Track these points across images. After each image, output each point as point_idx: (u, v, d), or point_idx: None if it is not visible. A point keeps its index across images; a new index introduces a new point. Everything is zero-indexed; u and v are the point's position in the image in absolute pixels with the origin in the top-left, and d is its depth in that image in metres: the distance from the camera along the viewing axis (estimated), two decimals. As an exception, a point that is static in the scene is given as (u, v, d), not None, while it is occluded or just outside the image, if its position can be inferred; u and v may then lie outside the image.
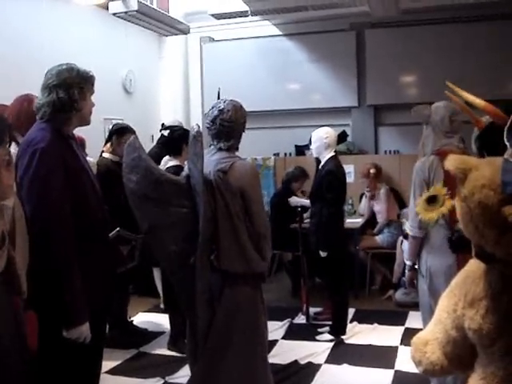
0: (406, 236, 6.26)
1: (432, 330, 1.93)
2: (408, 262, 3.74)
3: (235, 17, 8.62)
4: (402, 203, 7.69)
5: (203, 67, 9.83)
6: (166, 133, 6.64)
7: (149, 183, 3.15)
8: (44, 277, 2.64)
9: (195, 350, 3.32)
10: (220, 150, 3.33)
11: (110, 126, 7.04)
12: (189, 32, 8.86)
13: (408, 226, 3.60)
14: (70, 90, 2.78)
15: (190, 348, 3.46)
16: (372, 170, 7.33)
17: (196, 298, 3.17)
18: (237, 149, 3.46)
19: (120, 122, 6.29)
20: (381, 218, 7.32)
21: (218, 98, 8.26)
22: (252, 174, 3.34)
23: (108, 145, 5.41)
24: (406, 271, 3.80)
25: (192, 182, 3.22)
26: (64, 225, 2.64)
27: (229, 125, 3.31)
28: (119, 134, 5.30)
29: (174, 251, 3.22)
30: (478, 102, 2.89)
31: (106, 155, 5.30)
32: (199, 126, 3.20)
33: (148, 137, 8.47)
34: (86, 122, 2.95)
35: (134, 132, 5.22)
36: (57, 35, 6.99)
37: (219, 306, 3.22)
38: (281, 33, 9.46)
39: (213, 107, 3.38)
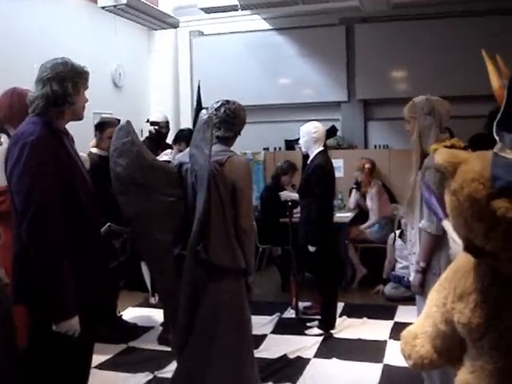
0: (400, 235, 6.29)
1: (421, 324, 1.94)
2: (422, 264, 3.42)
3: (225, 11, 8.61)
4: (391, 198, 7.70)
5: (193, 61, 9.82)
6: (151, 128, 6.66)
7: (139, 168, 3.14)
8: (33, 270, 2.62)
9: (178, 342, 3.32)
10: (218, 139, 3.36)
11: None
12: (178, 26, 8.86)
13: (426, 225, 3.39)
14: (64, 83, 2.77)
15: (175, 341, 3.45)
16: (367, 165, 7.34)
17: (180, 289, 3.16)
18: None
19: (106, 116, 6.27)
20: (372, 216, 7.32)
21: (199, 91, 8.32)
22: (246, 170, 3.39)
23: (94, 140, 5.41)
24: (416, 274, 3.48)
25: (193, 169, 3.21)
26: (53, 218, 2.63)
27: (232, 115, 3.42)
28: (100, 128, 5.31)
29: (158, 240, 3.19)
30: (495, 81, 2.80)
31: (93, 150, 5.29)
32: (210, 112, 3.24)
33: (137, 131, 8.42)
34: (78, 116, 2.94)
35: (116, 124, 5.23)
36: (45, 29, 6.94)
37: (204, 299, 3.21)
38: (271, 27, 9.45)
39: (217, 101, 3.47)
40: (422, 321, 1.95)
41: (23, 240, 2.63)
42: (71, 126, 2.98)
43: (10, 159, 2.68)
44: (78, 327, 2.70)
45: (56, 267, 2.61)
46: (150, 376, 4.61)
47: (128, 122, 3.20)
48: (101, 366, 4.74)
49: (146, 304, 6.50)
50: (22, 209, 2.63)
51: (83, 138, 5.04)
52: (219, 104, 3.45)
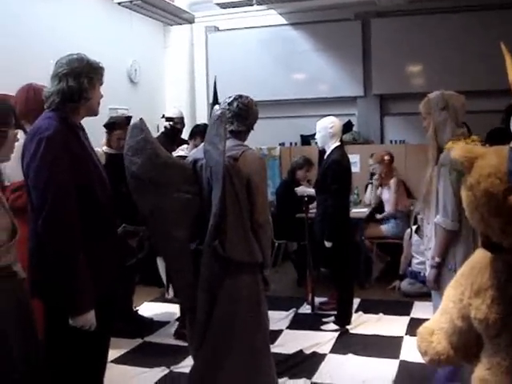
0: (417, 230, 6.27)
1: (438, 320, 1.93)
2: (437, 259, 3.45)
3: (240, 6, 8.59)
4: (407, 193, 7.66)
5: (208, 57, 9.83)
6: (166, 124, 6.67)
7: (154, 166, 3.13)
8: (49, 264, 2.64)
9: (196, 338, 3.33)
10: (231, 133, 3.35)
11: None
12: (194, 21, 8.86)
13: (441, 220, 3.40)
14: (80, 78, 2.78)
15: (190, 336, 3.46)
16: (386, 157, 7.30)
17: (198, 285, 3.17)
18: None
19: (122, 111, 6.27)
20: (388, 207, 7.29)
21: (215, 86, 8.34)
22: (260, 164, 3.38)
23: (104, 139, 5.42)
24: (431, 269, 3.51)
25: (208, 165, 3.21)
26: (69, 213, 2.64)
27: (245, 109, 3.43)
28: (109, 129, 5.32)
29: (174, 237, 3.19)
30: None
31: (103, 148, 5.30)
32: (222, 108, 3.26)
33: (153, 127, 8.46)
34: (93, 112, 2.95)
35: (125, 124, 5.19)
36: (61, 25, 6.96)
37: (221, 295, 3.21)
38: (286, 22, 9.44)
39: (229, 97, 3.48)
40: (438, 317, 1.95)
41: (39, 234, 2.65)
42: (86, 122, 2.99)
43: (27, 154, 2.69)
44: (94, 321, 2.72)
45: (71, 262, 2.63)
46: (166, 371, 4.62)
47: (141, 120, 3.20)
48: (117, 361, 4.76)
49: (162, 299, 6.52)
50: (38, 204, 2.64)
51: (98, 134, 5.08)
52: (232, 99, 3.46)
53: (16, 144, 2.79)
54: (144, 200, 3.17)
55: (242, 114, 3.41)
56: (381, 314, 5.87)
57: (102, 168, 2.99)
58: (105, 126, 5.38)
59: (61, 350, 2.78)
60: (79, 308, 2.67)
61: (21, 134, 3.30)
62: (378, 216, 7.35)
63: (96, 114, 2.97)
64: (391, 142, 9.04)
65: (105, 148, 5.29)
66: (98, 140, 5.28)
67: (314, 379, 4.43)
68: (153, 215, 3.19)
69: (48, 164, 2.62)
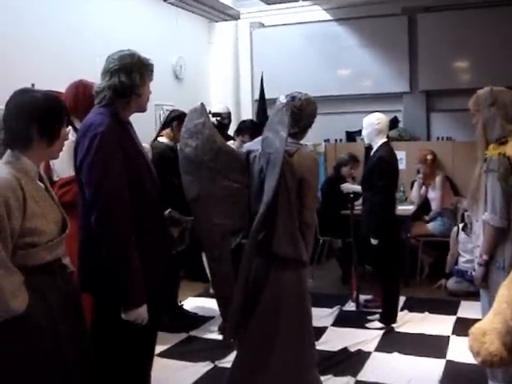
0: (464, 228, 6.22)
1: (491, 320, 1.90)
2: (485, 257, 3.42)
3: (285, 2, 8.59)
4: (454, 190, 7.57)
5: (253, 53, 9.84)
6: (213, 119, 6.68)
7: (209, 151, 3.15)
8: (101, 259, 2.67)
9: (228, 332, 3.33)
10: None
11: (161, 112, 7.10)
12: (239, 17, 8.88)
13: (489, 217, 3.37)
14: (132, 74, 2.80)
15: (227, 328, 3.46)
16: (429, 156, 7.23)
17: (238, 275, 3.14)
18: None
19: (174, 108, 6.32)
20: (434, 206, 7.21)
21: (261, 82, 8.33)
22: (314, 165, 3.37)
23: (168, 130, 5.44)
24: (479, 266, 3.49)
25: (265, 152, 3.20)
26: (122, 208, 2.67)
27: (298, 111, 3.35)
28: (181, 120, 5.34)
29: (217, 224, 3.19)
30: None
31: (161, 139, 5.33)
32: (287, 97, 3.26)
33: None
34: (143, 108, 2.97)
35: None
36: (108, 22, 7.02)
37: (265, 291, 3.20)
38: (331, 18, 9.38)
39: (287, 96, 3.41)
40: (491, 317, 1.91)
41: (92, 230, 2.67)
42: (133, 118, 3.02)
43: (80, 150, 2.72)
44: (146, 316, 2.75)
45: (126, 257, 2.65)
46: (211, 365, 4.65)
47: (202, 105, 3.23)
48: (161, 355, 4.79)
49: (207, 294, 6.54)
50: (91, 199, 2.67)
51: (144, 129, 5.12)
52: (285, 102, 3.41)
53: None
54: (193, 183, 3.19)
55: (295, 118, 3.34)
56: (426, 313, 5.81)
57: (150, 163, 3.02)
58: (175, 116, 5.40)
59: (109, 343, 2.82)
60: (133, 302, 2.70)
61: (71, 132, 3.36)
62: (426, 218, 7.28)
63: (145, 110, 3.00)
64: (438, 138, 8.92)
65: (164, 139, 5.34)
66: (143, 136, 5.34)
67: (359, 377, 4.41)
68: (199, 200, 3.20)
69: (101, 160, 2.65)
